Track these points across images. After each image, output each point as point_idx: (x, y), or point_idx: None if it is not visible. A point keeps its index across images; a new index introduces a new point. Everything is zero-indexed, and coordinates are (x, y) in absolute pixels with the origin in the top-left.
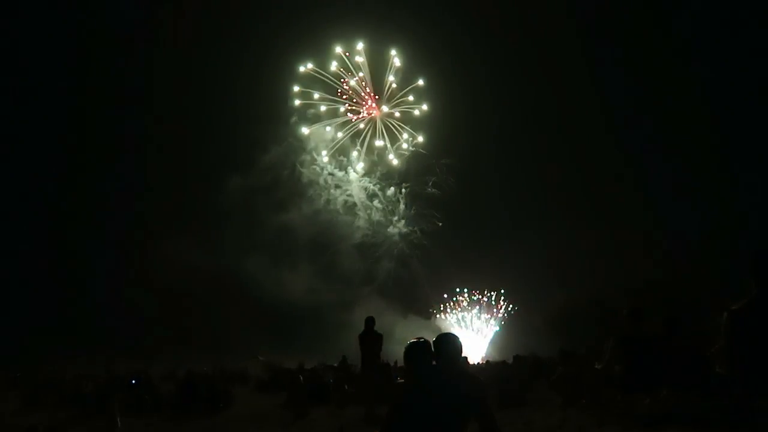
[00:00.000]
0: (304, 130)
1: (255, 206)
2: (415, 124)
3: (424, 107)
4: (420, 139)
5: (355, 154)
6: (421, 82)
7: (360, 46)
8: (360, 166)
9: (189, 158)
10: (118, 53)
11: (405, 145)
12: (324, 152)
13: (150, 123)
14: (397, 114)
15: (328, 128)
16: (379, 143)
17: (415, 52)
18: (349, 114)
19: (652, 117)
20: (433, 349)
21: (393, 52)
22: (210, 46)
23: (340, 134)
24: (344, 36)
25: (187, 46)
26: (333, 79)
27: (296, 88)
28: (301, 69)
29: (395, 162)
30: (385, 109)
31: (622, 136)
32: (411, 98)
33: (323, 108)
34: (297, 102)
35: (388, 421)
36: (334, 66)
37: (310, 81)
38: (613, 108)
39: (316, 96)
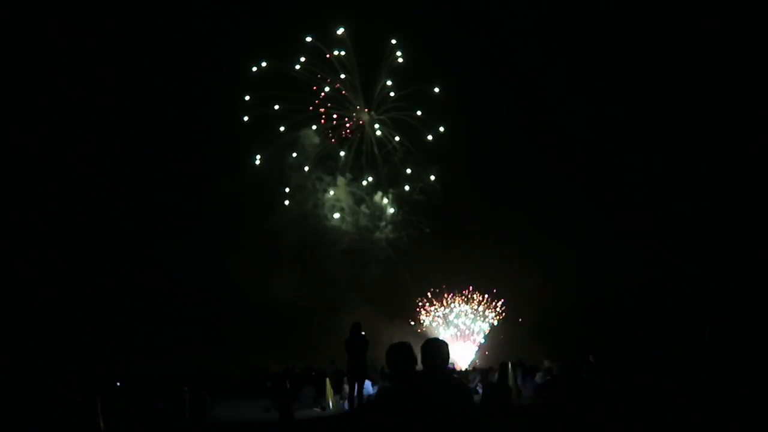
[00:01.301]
0: (256, 160)
1: (241, 209)
2: (423, 149)
3: (441, 129)
4: (432, 177)
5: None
6: (436, 89)
7: (340, 31)
8: (347, 175)
9: (176, 159)
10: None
11: (408, 187)
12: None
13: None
14: (397, 138)
15: (294, 154)
16: (367, 179)
17: (424, 45)
18: (326, 131)
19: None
20: (416, 352)
21: (393, 41)
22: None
23: (306, 167)
24: (318, 20)
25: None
26: (304, 74)
27: (247, 98)
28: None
29: (391, 210)
30: (378, 130)
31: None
32: (419, 113)
33: (283, 128)
34: (246, 118)
35: (372, 424)
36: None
37: (275, 83)
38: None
39: (276, 107)
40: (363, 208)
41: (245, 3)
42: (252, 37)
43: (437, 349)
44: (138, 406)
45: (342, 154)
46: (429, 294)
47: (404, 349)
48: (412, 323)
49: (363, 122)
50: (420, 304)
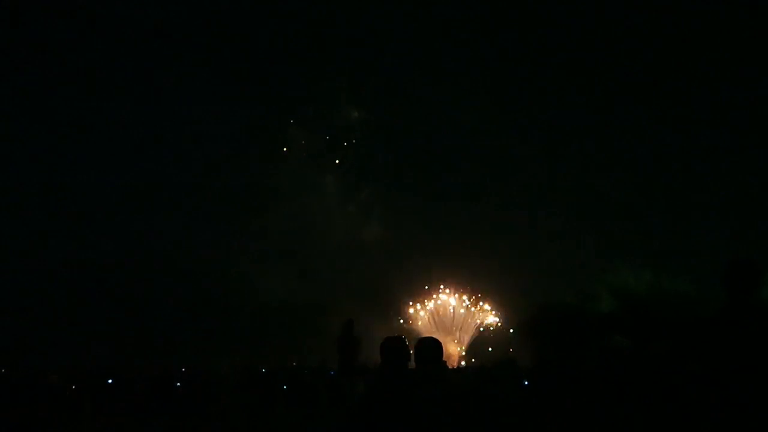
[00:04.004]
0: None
1: (230, 207)
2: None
3: None
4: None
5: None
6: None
7: None
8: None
9: (170, 156)
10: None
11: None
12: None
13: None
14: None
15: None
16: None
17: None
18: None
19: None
20: (408, 347)
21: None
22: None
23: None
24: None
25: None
26: None
27: None
28: None
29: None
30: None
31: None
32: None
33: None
34: None
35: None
36: None
37: None
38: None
39: None
40: (351, 207)
41: None
42: None
43: (430, 347)
44: (127, 401)
45: (331, 151)
46: (418, 293)
47: (399, 342)
48: (401, 321)
49: (353, 120)
50: (409, 302)
